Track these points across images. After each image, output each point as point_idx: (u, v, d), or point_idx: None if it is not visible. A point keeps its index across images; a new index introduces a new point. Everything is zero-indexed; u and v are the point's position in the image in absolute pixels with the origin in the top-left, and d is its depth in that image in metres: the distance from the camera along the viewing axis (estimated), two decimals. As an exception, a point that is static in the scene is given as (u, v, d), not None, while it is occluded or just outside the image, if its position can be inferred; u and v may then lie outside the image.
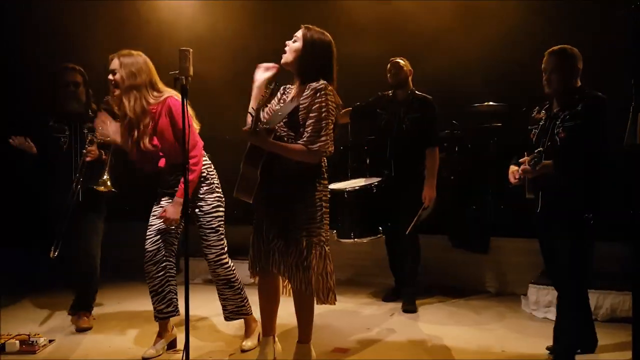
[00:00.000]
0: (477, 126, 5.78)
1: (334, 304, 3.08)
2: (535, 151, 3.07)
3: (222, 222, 3.48)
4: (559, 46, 3.22)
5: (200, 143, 3.41)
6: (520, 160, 3.19)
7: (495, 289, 4.95)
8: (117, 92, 3.27)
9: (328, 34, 3.05)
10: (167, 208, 3.33)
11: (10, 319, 4.27)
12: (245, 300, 3.56)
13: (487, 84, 5.65)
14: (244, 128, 2.97)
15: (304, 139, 2.93)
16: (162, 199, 3.47)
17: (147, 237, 3.43)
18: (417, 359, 3.47)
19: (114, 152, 3.86)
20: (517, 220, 4.77)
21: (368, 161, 5.36)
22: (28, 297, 4.90)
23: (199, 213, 3.42)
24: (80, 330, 3.99)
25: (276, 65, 3.08)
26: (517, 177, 3.26)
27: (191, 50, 2.72)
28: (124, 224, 5.23)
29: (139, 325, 4.11)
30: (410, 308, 4.40)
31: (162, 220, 3.35)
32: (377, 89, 4.71)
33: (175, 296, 3.51)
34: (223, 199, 3.51)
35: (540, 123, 3.28)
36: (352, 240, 4.13)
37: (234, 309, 3.55)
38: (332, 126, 2.96)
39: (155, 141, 3.37)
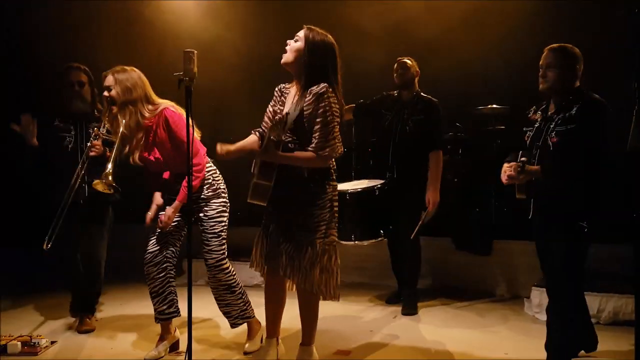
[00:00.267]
0: (480, 129, 5.77)
1: (338, 300, 3.09)
2: (519, 160, 3.01)
3: (225, 228, 3.47)
4: (560, 43, 3.13)
5: (203, 150, 3.40)
6: (505, 165, 3.12)
7: (499, 291, 4.94)
8: (115, 109, 3.29)
9: (330, 36, 3.03)
10: (166, 210, 3.35)
11: (10, 319, 4.26)
12: (247, 304, 3.55)
13: (490, 87, 5.64)
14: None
15: (313, 145, 2.92)
16: (168, 205, 3.46)
17: (150, 239, 3.44)
18: (420, 361, 3.47)
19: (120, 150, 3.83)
20: (520, 222, 4.74)
21: (371, 163, 5.35)
22: (28, 297, 4.89)
23: (203, 217, 3.42)
24: (83, 332, 3.99)
25: None
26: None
27: (196, 51, 2.72)
28: (124, 226, 5.22)
29: (142, 327, 4.10)
30: (410, 311, 4.39)
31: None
32: (381, 92, 4.68)
33: (176, 297, 3.51)
34: (228, 204, 3.50)
35: (535, 125, 3.20)
36: (352, 242, 4.10)
37: (238, 314, 3.52)
38: (338, 128, 2.95)
39: (157, 153, 3.36)
